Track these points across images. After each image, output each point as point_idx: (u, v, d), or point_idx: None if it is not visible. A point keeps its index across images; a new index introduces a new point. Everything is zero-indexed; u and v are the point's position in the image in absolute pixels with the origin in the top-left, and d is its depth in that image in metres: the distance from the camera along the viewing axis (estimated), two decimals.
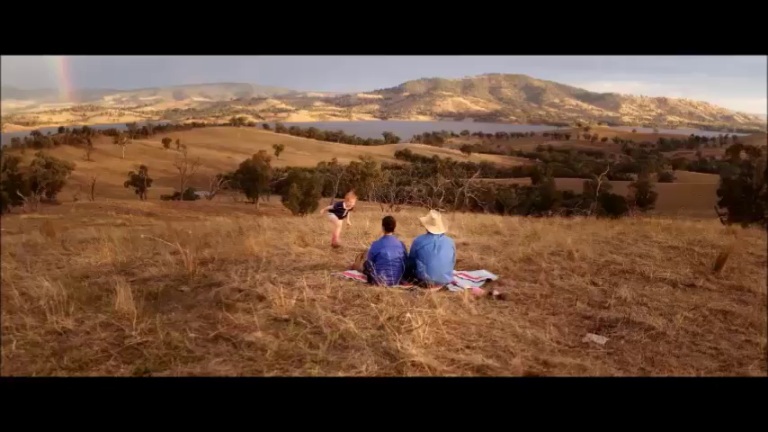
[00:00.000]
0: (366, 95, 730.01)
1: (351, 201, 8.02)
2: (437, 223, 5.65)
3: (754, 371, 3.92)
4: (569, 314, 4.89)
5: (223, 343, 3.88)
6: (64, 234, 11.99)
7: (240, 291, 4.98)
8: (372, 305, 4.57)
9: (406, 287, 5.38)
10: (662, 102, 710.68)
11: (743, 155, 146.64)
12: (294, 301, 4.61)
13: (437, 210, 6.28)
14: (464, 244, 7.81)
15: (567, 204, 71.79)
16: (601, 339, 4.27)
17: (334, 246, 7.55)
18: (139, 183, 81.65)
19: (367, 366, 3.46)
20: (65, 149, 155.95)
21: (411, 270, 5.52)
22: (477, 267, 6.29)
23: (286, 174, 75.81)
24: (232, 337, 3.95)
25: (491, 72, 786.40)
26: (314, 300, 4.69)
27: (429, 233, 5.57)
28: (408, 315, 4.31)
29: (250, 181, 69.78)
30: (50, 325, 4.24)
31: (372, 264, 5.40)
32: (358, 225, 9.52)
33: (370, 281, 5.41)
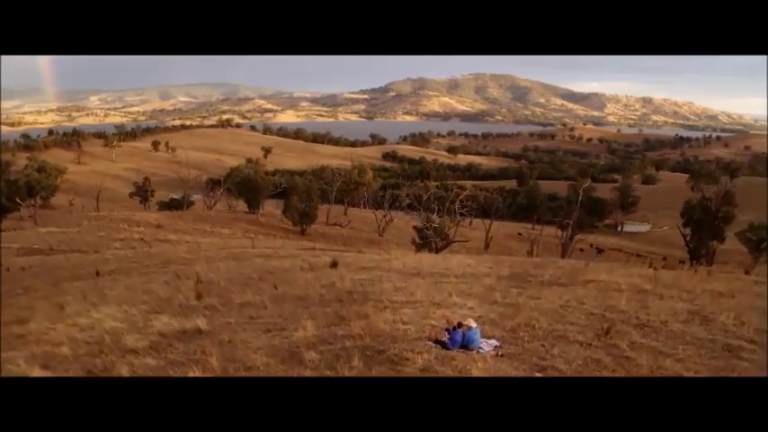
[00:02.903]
0: (352, 95, 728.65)
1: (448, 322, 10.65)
2: (473, 325, 12.56)
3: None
4: (530, 363, 11.78)
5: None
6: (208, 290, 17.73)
7: (396, 354, 11.80)
8: (454, 360, 11.53)
9: (462, 351, 12.24)
10: (647, 101, 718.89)
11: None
12: (422, 360, 11.49)
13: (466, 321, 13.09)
14: (482, 324, 14.69)
15: (552, 208, 74.75)
16: (540, 373, 11.22)
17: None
18: (143, 193, 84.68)
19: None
20: (55, 152, 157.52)
21: (465, 344, 12.36)
22: (490, 338, 13.18)
23: (284, 185, 74.61)
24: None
25: (477, 72, 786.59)
26: (429, 358, 11.59)
27: (470, 328, 12.46)
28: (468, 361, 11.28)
29: (250, 192, 71.20)
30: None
31: (448, 340, 12.29)
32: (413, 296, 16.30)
33: (445, 347, 12.28)
